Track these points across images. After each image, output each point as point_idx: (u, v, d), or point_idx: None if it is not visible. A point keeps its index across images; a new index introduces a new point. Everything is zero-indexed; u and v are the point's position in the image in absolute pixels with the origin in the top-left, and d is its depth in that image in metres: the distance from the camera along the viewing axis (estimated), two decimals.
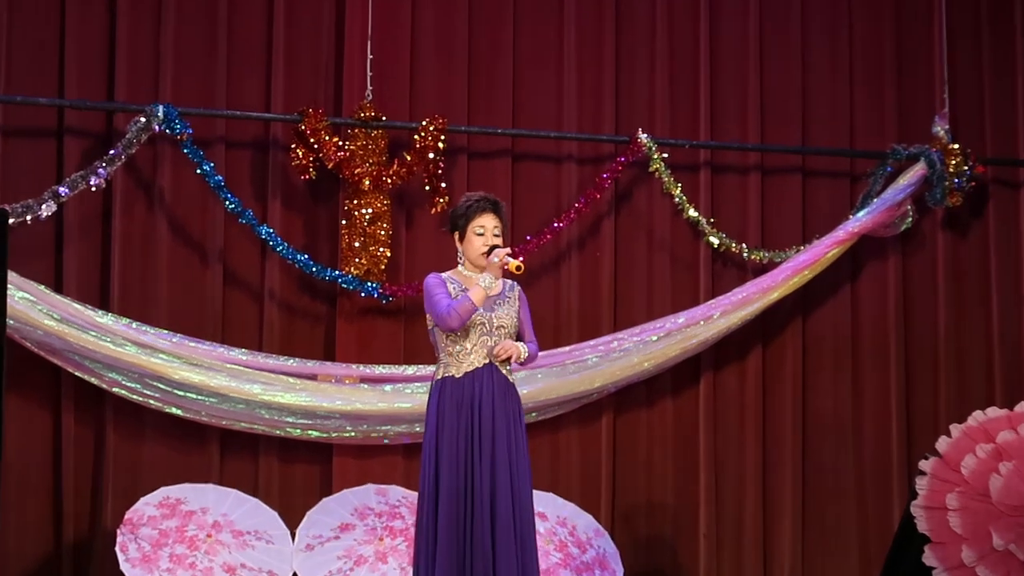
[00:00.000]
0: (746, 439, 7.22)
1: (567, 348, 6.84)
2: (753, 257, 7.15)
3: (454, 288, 4.85)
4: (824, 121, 7.40)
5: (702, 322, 6.90)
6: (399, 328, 6.74)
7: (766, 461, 7.24)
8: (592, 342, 6.84)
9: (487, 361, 4.83)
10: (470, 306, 4.77)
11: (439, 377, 4.84)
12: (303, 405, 6.35)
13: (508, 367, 4.88)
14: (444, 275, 4.90)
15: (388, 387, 6.51)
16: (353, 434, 6.52)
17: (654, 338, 6.83)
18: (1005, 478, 5.70)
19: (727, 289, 7.09)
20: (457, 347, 4.82)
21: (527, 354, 4.88)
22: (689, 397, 7.19)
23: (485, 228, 4.86)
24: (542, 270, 7.02)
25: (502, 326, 4.87)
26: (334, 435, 6.51)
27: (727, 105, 7.28)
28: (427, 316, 4.91)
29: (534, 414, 6.80)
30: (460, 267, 4.96)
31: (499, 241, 4.89)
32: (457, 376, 4.80)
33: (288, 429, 6.44)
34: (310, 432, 6.48)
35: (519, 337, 4.96)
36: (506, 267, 4.78)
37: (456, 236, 4.92)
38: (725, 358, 7.24)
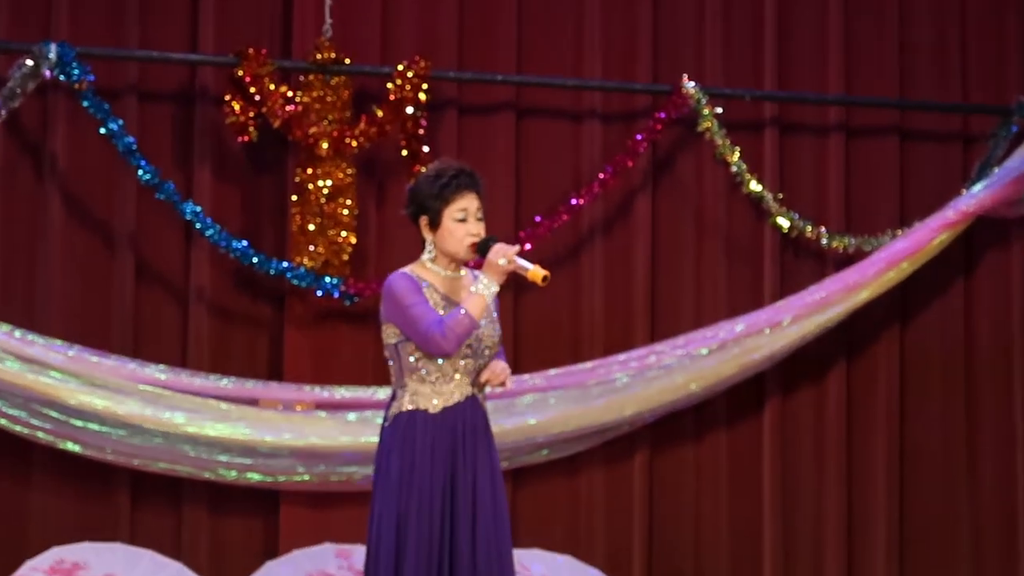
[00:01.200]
0: (825, 485, 7.22)
1: (589, 364, 6.83)
2: (835, 245, 7.14)
3: (429, 294, 4.71)
4: (929, 66, 7.43)
5: (767, 330, 6.91)
6: (367, 338, 6.66)
7: (852, 514, 7.24)
8: (622, 356, 6.84)
9: (470, 392, 4.72)
10: (470, 324, 4.61)
11: (404, 410, 4.71)
12: (240, 439, 6.38)
13: (482, 395, 4.80)
14: (410, 273, 4.73)
15: (353, 416, 6.52)
16: (307, 477, 6.54)
17: (704, 351, 6.85)
18: None
19: (800, 287, 7.08)
20: (437, 374, 4.69)
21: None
22: (750, 429, 7.18)
23: (467, 212, 4.70)
24: (556, 262, 6.96)
25: (488, 346, 4.75)
26: (282, 478, 6.54)
27: (801, 44, 7.32)
28: (386, 327, 4.74)
29: (545, 451, 6.78)
30: (427, 261, 4.77)
31: (483, 227, 4.73)
32: (433, 412, 4.68)
33: (221, 471, 6.47)
34: (250, 475, 6.50)
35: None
36: (521, 274, 4.64)
37: (424, 223, 4.74)
38: (797, 378, 7.24)
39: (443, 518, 4.62)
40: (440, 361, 4.68)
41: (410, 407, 4.70)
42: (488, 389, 4.79)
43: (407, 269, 4.74)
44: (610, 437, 6.88)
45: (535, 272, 4.57)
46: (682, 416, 7.03)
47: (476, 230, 4.69)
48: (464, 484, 4.67)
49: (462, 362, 4.71)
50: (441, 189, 4.68)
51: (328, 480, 6.54)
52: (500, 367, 4.70)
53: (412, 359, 4.69)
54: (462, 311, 4.60)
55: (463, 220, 4.69)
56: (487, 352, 4.74)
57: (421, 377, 4.69)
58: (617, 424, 6.81)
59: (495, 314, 4.80)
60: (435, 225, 4.71)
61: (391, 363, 4.76)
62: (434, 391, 4.69)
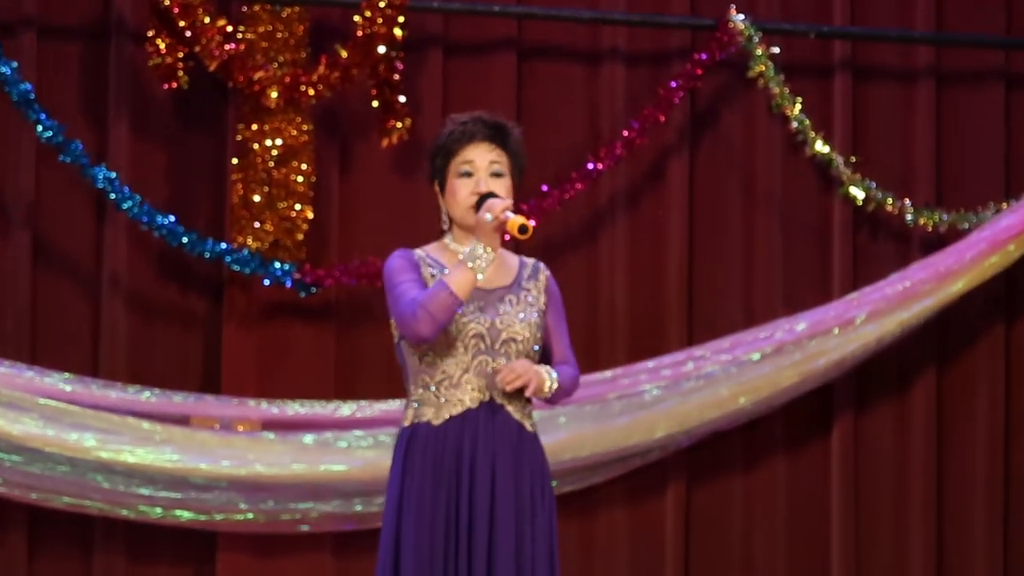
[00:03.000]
0: (909, 524, 7.23)
1: (609, 373, 6.83)
2: (923, 222, 7.15)
3: (433, 273, 4.76)
4: None
5: (836, 330, 6.91)
6: (328, 339, 6.79)
7: (943, 560, 7.25)
8: (651, 363, 6.85)
9: (486, 397, 4.73)
10: (447, 298, 4.62)
11: (407, 424, 4.76)
12: (167, 467, 6.40)
13: (524, 406, 4.77)
14: (419, 252, 4.81)
15: (309, 438, 6.55)
16: (251, 516, 6.58)
17: (755, 356, 6.86)
18: None
19: (878, 276, 7.06)
20: (436, 373, 4.73)
21: (555, 385, 4.76)
22: (814, 455, 7.20)
23: (474, 166, 4.74)
24: (568, 243, 7.03)
25: (513, 338, 4.75)
26: (219, 517, 6.57)
27: None
28: (392, 323, 4.81)
29: (554, 482, 6.47)
30: (447, 238, 4.84)
31: (500, 186, 4.74)
32: (435, 423, 4.72)
33: (142, 508, 6.49)
34: (178, 513, 6.53)
35: (544, 357, 4.83)
36: (505, 226, 4.65)
37: (437, 186, 4.83)
38: (875, 390, 7.25)
39: (446, 553, 4.64)
40: (432, 355, 4.69)
41: (413, 419, 4.74)
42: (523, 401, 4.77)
43: (423, 247, 4.82)
44: (636, 465, 6.88)
45: (513, 221, 4.57)
46: (728, 438, 7.03)
47: (483, 188, 4.71)
48: (477, 511, 4.68)
49: (473, 360, 4.71)
50: (446, 139, 4.76)
51: (278, 519, 6.56)
52: (520, 365, 4.67)
53: (416, 360, 4.73)
54: (440, 284, 4.62)
55: (468, 175, 4.73)
56: (512, 347, 4.74)
57: (425, 382, 4.73)
58: (645, 449, 6.80)
59: (542, 303, 4.82)
60: (443, 187, 4.78)
61: (402, 366, 4.82)
62: (438, 398, 4.72)
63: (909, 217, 7.10)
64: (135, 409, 6.40)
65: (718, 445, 7.03)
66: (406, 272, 4.72)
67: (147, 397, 6.46)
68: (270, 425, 6.53)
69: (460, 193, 4.73)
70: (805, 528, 7.14)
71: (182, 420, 6.48)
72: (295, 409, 6.55)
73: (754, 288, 7.16)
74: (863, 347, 6.91)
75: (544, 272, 4.87)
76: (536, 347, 4.78)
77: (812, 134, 7.00)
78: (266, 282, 6.58)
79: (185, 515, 6.50)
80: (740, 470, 7.12)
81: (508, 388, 4.68)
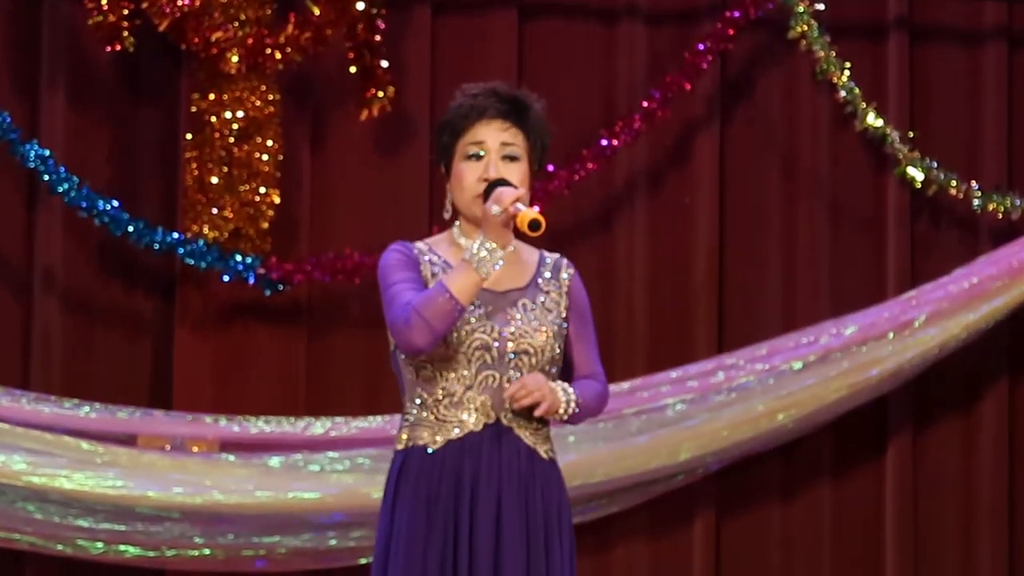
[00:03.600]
0: (978, 559, 7.21)
1: (626, 385, 6.77)
2: (992, 207, 7.06)
3: (435, 271, 4.70)
4: None
5: (891, 334, 6.86)
6: (298, 345, 6.81)
7: None
8: (675, 373, 6.83)
9: (492, 419, 4.66)
10: (446, 303, 4.54)
11: (400, 447, 4.70)
12: (110, 495, 6.38)
13: (538, 429, 4.69)
14: (421, 246, 4.77)
15: (276, 460, 6.55)
16: (207, 552, 6.57)
17: (797, 365, 6.83)
18: None
19: (941, 271, 7.03)
20: (435, 390, 4.67)
21: (572, 407, 4.67)
22: (865, 480, 7.17)
23: (485, 147, 4.66)
24: (578, 233, 7.00)
25: (526, 350, 4.67)
26: (170, 553, 6.56)
27: None
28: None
29: None
30: (455, 230, 4.76)
31: (514, 172, 4.66)
32: (432, 448, 4.64)
33: (81, 542, 6.48)
34: (123, 548, 6.51)
35: (564, 373, 4.76)
36: (515, 221, 4.57)
37: (443, 169, 4.81)
38: (936, 404, 7.23)
39: None
40: (431, 369, 4.61)
41: (407, 443, 4.66)
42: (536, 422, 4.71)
43: (427, 239, 4.79)
44: (658, 492, 6.86)
45: (523, 215, 4.48)
46: (764, 461, 7.00)
47: (493, 174, 4.64)
48: (476, 557, 4.60)
49: (478, 375, 4.62)
50: (453, 115, 4.72)
51: (239, 556, 6.55)
52: (534, 381, 4.56)
53: (413, 373, 4.66)
54: (439, 287, 4.54)
55: (476, 157, 4.64)
56: (525, 361, 4.64)
57: (422, 399, 4.65)
58: (668, 473, 6.79)
59: (562, 308, 4.74)
60: (449, 170, 4.73)
61: (398, 377, 4.77)
62: (437, 418, 4.63)
63: (976, 202, 7.03)
64: (72, 427, 6.40)
65: (753, 469, 7.02)
66: (402, 270, 4.66)
67: (86, 413, 6.44)
68: (230, 446, 6.54)
69: (467, 179, 4.65)
70: (854, 565, 7.13)
71: (127, 440, 6.47)
72: (259, 427, 6.54)
73: (795, 286, 7.16)
74: (923, 354, 6.87)
75: (568, 269, 4.79)
76: (555, 361, 4.73)
77: (863, 105, 6.94)
78: (225, 278, 6.57)
79: (131, 550, 6.48)
80: (778, 498, 7.11)
81: (517, 406, 4.59)
